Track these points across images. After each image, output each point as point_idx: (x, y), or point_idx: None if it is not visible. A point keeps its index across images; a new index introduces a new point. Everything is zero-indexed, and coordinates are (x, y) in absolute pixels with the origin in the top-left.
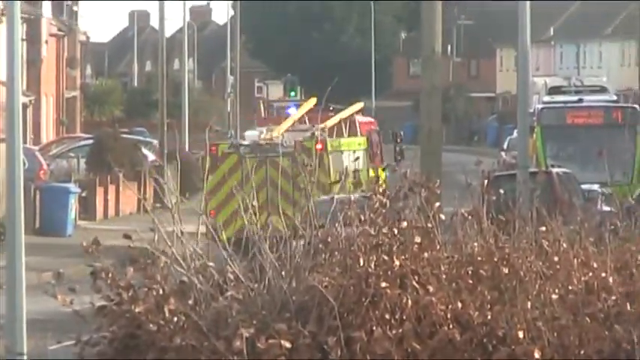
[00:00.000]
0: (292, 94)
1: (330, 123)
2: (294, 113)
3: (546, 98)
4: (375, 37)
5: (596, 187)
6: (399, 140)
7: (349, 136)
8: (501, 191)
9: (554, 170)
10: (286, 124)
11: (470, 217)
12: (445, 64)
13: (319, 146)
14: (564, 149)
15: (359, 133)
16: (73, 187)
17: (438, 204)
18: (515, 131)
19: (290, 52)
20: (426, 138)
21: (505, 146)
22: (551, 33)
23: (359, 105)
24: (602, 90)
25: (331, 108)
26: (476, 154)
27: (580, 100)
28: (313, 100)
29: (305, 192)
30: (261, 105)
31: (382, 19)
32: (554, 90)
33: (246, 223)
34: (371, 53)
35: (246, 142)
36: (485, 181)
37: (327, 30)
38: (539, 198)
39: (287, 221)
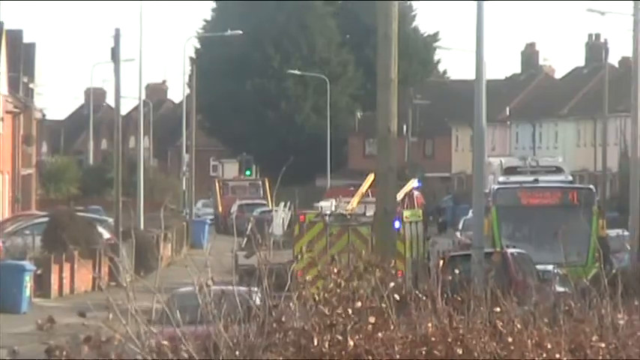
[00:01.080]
0: (248, 173)
1: (399, 196)
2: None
3: (501, 178)
4: (330, 117)
5: (550, 267)
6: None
7: (408, 208)
8: (456, 271)
9: (509, 250)
10: (358, 196)
11: (424, 297)
12: (400, 144)
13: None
14: (519, 229)
15: (416, 206)
16: (28, 264)
17: (392, 284)
18: (471, 211)
19: (246, 130)
20: (381, 218)
21: (460, 226)
22: (507, 113)
23: (414, 180)
24: (558, 170)
25: (352, 188)
26: (431, 235)
27: (536, 181)
28: (371, 177)
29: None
30: (217, 184)
31: (338, 98)
32: (509, 170)
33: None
34: (327, 132)
35: (328, 212)
36: (441, 262)
37: (283, 109)
38: (493, 278)
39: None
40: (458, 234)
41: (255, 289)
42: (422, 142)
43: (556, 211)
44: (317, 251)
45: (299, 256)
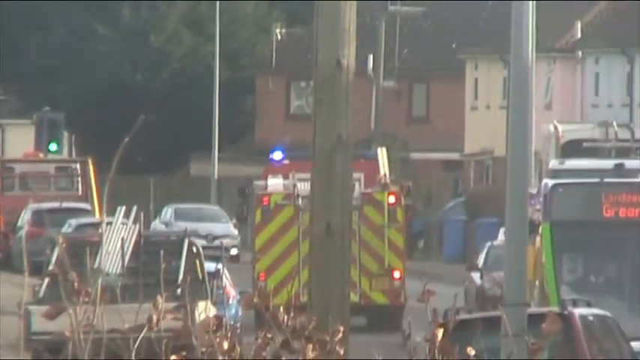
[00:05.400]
0: (53, 147)
1: (383, 169)
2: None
3: (555, 163)
4: (220, 39)
5: None
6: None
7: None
8: (471, 351)
9: (578, 311)
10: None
11: None
12: (363, 93)
13: (392, 199)
14: (597, 269)
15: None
16: None
17: None
18: (502, 231)
19: (50, 64)
20: (320, 240)
21: (481, 261)
22: (578, 34)
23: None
24: None
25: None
26: (421, 276)
27: (619, 168)
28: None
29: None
30: None
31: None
32: (571, 147)
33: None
34: (212, 72)
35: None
36: (440, 331)
37: (123, 22)
38: None
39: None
40: (474, 276)
41: None
42: (406, 90)
43: None
44: (285, 245)
45: (259, 255)
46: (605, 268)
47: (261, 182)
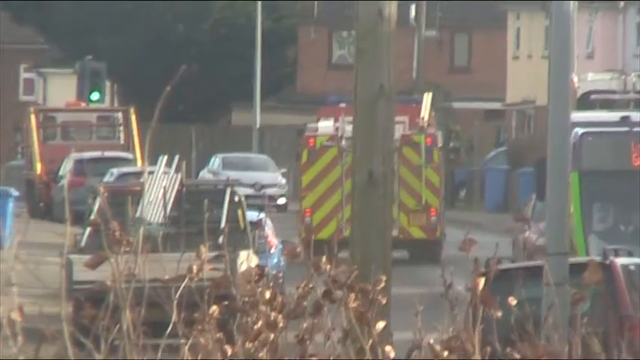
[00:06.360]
0: (95, 96)
1: (424, 113)
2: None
3: (576, 115)
4: None
5: None
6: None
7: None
8: (512, 301)
9: (619, 261)
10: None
11: (448, 352)
12: (405, 42)
13: (429, 140)
14: (626, 220)
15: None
16: None
17: (382, 324)
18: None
19: (90, 16)
20: (363, 188)
21: (530, 211)
22: None
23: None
24: None
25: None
26: (463, 225)
27: (625, 121)
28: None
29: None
30: (32, 118)
31: None
32: (587, 98)
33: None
34: (255, 22)
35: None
36: (481, 281)
37: None
38: (589, 316)
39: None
40: (525, 229)
41: None
42: (448, 40)
43: None
44: (329, 184)
45: (305, 192)
46: (634, 218)
47: (313, 125)
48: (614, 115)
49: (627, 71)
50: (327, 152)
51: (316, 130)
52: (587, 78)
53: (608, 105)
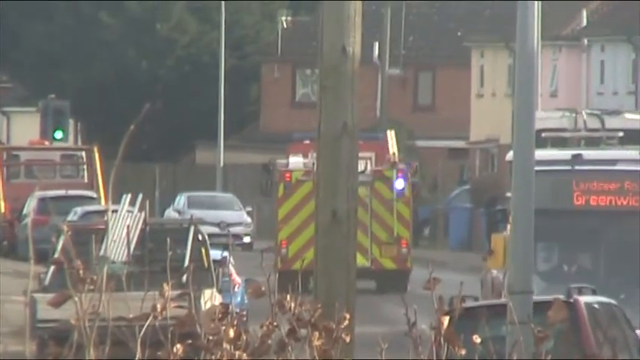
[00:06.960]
0: (58, 135)
1: (392, 149)
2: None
3: (511, 155)
4: (226, 29)
5: None
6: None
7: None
8: (476, 339)
9: (583, 299)
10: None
11: None
12: (369, 80)
13: (400, 175)
14: (570, 259)
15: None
16: None
17: None
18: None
19: (55, 50)
20: (327, 227)
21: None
22: (584, 21)
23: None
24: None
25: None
26: (427, 263)
27: (577, 158)
28: (391, 134)
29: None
30: None
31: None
32: (545, 136)
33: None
34: (216, 60)
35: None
36: (446, 319)
37: (129, 12)
38: (553, 355)
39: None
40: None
41: None
42: (412, 78)
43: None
44: (304, 217)
45: (281, 225)
46: (579, 257)
47: (284, 160)
48: (564, 154)
49: (579, 109)
50: (302, 186)
51: (287, 165)
52: (537, 116)
53: (560, 143)
